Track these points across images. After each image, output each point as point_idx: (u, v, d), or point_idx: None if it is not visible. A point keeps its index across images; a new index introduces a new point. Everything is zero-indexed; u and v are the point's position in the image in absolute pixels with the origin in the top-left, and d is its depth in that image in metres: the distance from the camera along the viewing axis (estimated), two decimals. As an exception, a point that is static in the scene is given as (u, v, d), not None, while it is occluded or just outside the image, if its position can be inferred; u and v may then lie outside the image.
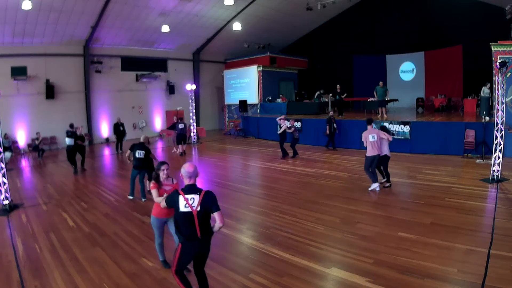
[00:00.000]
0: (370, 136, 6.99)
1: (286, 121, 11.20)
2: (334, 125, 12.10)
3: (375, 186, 7.05)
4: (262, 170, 9.97)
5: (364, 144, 7.13)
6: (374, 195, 6.84)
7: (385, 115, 13.05)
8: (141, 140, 7.02)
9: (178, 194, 3.04)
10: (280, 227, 5.36)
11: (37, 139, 13.18)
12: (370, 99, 15.60)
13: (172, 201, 3.09)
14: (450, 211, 5.63)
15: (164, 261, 4.24)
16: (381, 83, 13.45)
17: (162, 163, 4.09)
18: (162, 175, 4.02)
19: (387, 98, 13.53)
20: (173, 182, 4.14)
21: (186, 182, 3.07)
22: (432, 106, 15.67)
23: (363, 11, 18.70)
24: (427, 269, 3.83)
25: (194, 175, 3.08)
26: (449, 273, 3.75)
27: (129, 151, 6.95)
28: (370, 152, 7.02)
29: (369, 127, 7.20)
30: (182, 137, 12.76)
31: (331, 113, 12.48)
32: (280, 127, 11.44)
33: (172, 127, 13.16)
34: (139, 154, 6.83)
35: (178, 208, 3.02)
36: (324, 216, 5.75)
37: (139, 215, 6.10)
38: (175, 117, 13.56)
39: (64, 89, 15.54)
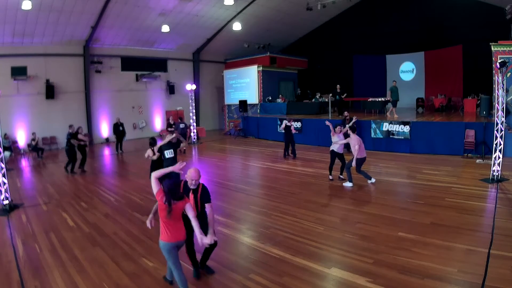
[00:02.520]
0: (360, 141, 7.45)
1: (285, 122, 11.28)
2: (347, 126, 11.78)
3: (351, 185, 7.46)
4: (262, 170, 9.97)
5: (357, 148, 7.27)
6: (374, 195, 6.84)
7: (396, 115, 12.80)
8: (167, 140, 6.74)
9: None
10: (280, 227, 5.36)
11: (33, 139, 13.20)
12: (370, 99, 15.61)
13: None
14: (450, 211, 5.63)
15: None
16: (394, 82, 13.21)
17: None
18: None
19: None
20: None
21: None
22: (432, 106, 15.67)
23: (363, 11, 18.71)
24: (427, 269, 3.83)
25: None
26: (449, 273, 3.75)
27: (158, 154, 6.70)
28: (363, 153, 7.42)
29: (353, 134, 7.59)
30: (182, 136, 12.88)
31: (346, 113, 12.02)
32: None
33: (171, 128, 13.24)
34: (168, 154, 6.61)
35: None
36: (324, 216, 5.76)
37: (139, 215, 6.10)
38: (171, 118, 13.65)
39: (64, 89, 15.54)
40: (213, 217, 3.61)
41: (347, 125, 8.61)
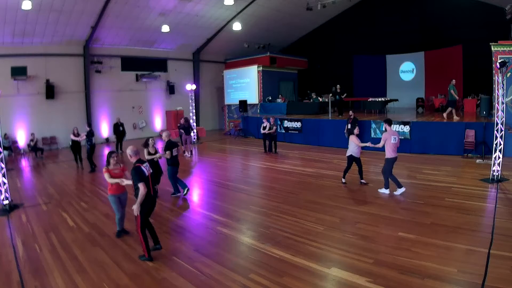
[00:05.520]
0: (392, 138, 6.76)
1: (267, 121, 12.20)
2: (349, 125, 11.48)
3: (402, 190, 6.74)
4: (262, 170, 9.97)
5: (381, 145, 6.84)
6: (374, 195, 6.83)
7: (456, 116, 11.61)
8: (166, 138, 7.17)
9: (140, 166, 4.27)
10: (280, 227, 5.36)
11: (32, 140, 13.19)
12: (370, 99, 15.61)
13: (141, 173, 4.20)
14: (450, 211, 5.63)
15: (120, 231, 5.22)
16: (454, 81, 11.77)
17: (112, 152, 5.10)
18: (112, 161, 5.02)
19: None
20: (120, 166, 5.09)
21: (135, 159, 4.38)
22: (432, 106, 15.67)
23: (363, 11, 18.73)
24: (427, 269, 3.83)
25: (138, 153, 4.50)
26: (449, 273, 3.75)
27: (169, 152, 6.93)
28: (392, 154, 6.78)
29: (389, 128, 6.96)
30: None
31: (350, 112, 11.93)
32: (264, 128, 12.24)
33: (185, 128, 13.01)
34: (175, 152, 7.04)
35: (145, 175, 4.25)
36: (324, 216, 5.75)
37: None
38: (182, 119, 13.30)
39: (64, 89, 15.54)
40: (140, 196, 4.13)
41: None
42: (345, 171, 7.72)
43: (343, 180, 7.73)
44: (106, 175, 4.89)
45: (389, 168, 6.82)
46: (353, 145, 7.39)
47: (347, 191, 7.23)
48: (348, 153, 7.52)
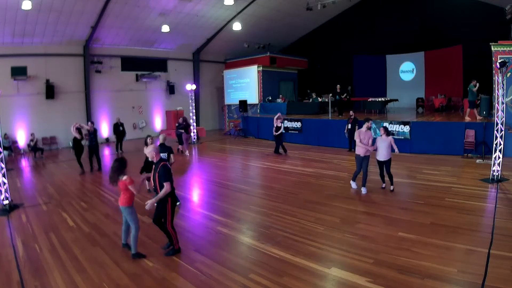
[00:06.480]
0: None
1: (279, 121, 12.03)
2: (349, 125, 11.49)
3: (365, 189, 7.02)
4: (262, 170, 9.97)
5: (376, 147, 6.92)
6: (374, 195, 6.83)
7: (468, 118, 11.08)
8: (161, 141, 6.57)
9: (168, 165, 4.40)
10: (280, 227, 5.36)
11: (32, 140, 13.18)
12: (370, 99, 15.62)
13: (170, 172, 4.32)
14: (450, 211, 5.63)
15: (125, 244, 4.78)
16: (474, 81, 11.04)
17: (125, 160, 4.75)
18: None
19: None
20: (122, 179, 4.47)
21: (158, 157, 4.42)
22: (432, 106, 15.66)
23: (363, 11, 18.72)
24: (427, 269, 3.83)
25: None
26: (449, 273, 3.75)
27: None
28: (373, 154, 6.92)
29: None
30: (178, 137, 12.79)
31: (351, 112, 11.87)
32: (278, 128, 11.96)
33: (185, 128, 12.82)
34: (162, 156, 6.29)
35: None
36: (324, 216, 5.75)
37: (139, 215, 6.08)
38: (181, 119, 13.21)
39: (64, 89, 15.54)
40: (162, 193, 4.20)
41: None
42: (382, 175, 7.30)
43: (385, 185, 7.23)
44: (132, 186, 4.33)
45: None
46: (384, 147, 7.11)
47: (348, 191, 7.23)
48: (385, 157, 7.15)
